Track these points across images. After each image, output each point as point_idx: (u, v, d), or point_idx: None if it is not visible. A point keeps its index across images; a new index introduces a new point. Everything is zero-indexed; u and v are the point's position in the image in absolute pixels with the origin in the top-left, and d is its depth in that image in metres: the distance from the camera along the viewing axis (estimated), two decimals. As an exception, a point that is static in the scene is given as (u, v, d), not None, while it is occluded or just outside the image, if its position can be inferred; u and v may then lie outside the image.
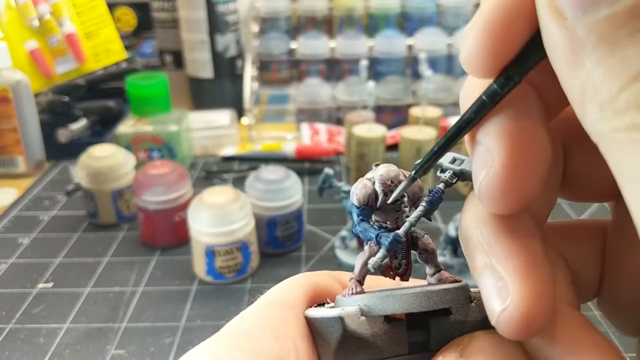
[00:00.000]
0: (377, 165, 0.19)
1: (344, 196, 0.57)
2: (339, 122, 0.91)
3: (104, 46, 0.96)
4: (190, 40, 0.93)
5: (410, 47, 0.96)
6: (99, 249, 0.62)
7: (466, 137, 0.16)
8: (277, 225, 0.59)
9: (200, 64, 0.94)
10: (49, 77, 0.89)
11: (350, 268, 0.57)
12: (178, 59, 0.97)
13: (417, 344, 0.18)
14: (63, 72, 0.91)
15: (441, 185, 0.18)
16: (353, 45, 0.96)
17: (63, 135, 0.82)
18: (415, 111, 0.77)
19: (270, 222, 0.58)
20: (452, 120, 0.86)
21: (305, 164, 0.81)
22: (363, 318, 0.17)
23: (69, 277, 0.57)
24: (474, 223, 0.16)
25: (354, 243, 0.59)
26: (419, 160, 0.17)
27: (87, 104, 0.87)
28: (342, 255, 0.58)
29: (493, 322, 0.15)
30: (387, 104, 0.89)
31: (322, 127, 0.89)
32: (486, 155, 0.15)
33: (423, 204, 0.17)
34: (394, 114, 0.90)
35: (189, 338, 0.49)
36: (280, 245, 0.60)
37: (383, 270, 0.19)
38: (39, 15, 0.88)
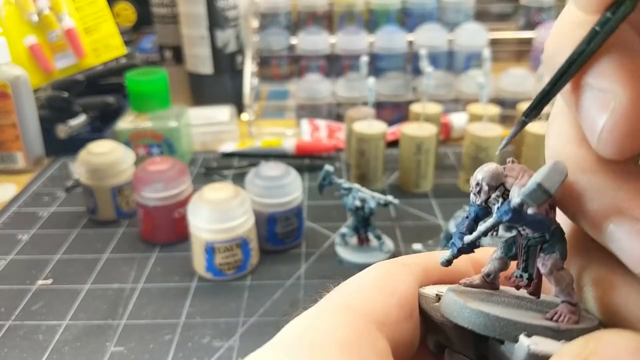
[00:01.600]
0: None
1: (344, 193, 0.57)
2: (339, 118, 0.91)
3: (103, 41, 0.96)
4: (190, 35, 0.92)
5: (410, 43, 0.96)
6: (98, 245, 0.62)
7: (565, 88, 0.15)
8: (277, 222, 0.58)
9: (200, 60, 0.93)
10: (48, 73, 0.89)
11: (350, 265, 0.57)
12: (178, 55, 0.97)
13: (482, 356, 0.17)
14: (62, 67, 0.91)
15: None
16: (353, 41, 0.95)
17: (62, 131, 0.82)
18: (415, 107, 0.76)
19: (270, 219, 0.58)
20: (453, 117, 0.86)
21: (305, 161, 0.81)
22: (436, 304, 0.17)
23: (68, 273, 0.57)
24: (580, 172, 0.15)
25: (354, 240, 0.59)
26: (529, 104, 0.16)
27: (87, 100, 0.86)
28: (342, 252, 0.58)
29: (594, 141, 0.14)
30: (387, 100, 0.89)
31: (322, 123, 0.89)
32: (604, 97, 0.14)
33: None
34: (394, 110, 0.90)
35: (189, 335, 0.48)
36: (280, 242, 0.59)
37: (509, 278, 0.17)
38: (38, 10, 0.87)
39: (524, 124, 0.16)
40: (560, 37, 0.15)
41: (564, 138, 0.16)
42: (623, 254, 0.14)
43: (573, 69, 0.14)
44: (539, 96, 0.15)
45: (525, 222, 0.16)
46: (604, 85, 0.14)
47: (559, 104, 0.17)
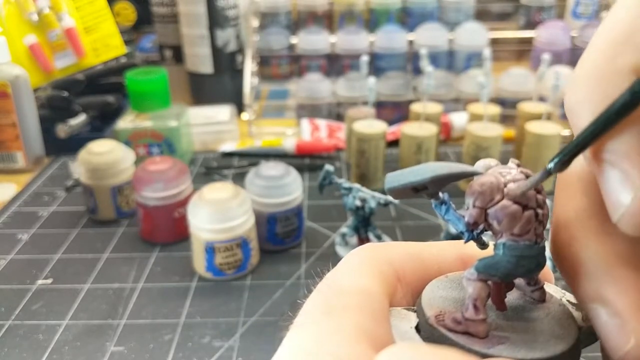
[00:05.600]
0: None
1: (344, 193, 0.57)
2: (339, 117, 0.91)
3: (103, 41, 0.96)
4: (190, 35, 0.92)
5: (411, 42, 0.96)
6: (98, 245, 0.62)
7: (588, 152, 0.14)
8: (277, 222, 0.58)
9: (200, 59, 0.93)
10: (48, 72, 0.89)
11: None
12: (178, 54, 0.97)
13: None
14: (62, 67, 0.91)
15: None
16: (354, 40, 0.95)
17: (62, 130, 0.82)
18: (416, 107, 0.76)
19: (270, 219, 0.58)
20: (453, 117, 0.85)
21: (306, 160, 0.81)
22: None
23: (68, 273, 0.57)
24: (584, 242, 0.15)
25: (354, 240, 0.59)
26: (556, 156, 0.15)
27: (87, 99, 0.86)
28: (342, 252, 0.58)
29: (615, 217, 0.14)
30: (387, 99, 0.89)
31: (322, 123, 0.89)
32: (628, 176, 0.13)
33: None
34: (394, 110, 0.90)
35: (189, 335, 0.48)
36: (280, 241, 0.59)
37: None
38: (38, 9, 0.87)
39: (548, 174, 0.15)
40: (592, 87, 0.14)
41: (581, 204, 0.16)
42: (601, 337, 0.15)
43: (607, 128, 0.13)
44: (570, 148, 0.14)
45: (446, 218, 0.17)
46: (628, 168, 0.13)
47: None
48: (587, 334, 0.17)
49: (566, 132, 0.73)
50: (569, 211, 0.16)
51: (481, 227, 0.16)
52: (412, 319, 0.17)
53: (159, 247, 0.61)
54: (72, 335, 0.49)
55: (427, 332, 0.16)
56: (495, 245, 0.16)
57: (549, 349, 0.16)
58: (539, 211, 0.15)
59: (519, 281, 0.18)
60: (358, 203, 0.56)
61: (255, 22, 0.99)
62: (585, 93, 0.14)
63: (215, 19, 0.91)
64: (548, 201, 0.16)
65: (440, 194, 0.17)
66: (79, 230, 0.65)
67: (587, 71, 0.14)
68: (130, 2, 1.18)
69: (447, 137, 0.85)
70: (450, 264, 0.19)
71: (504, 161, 0.17)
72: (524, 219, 0.15)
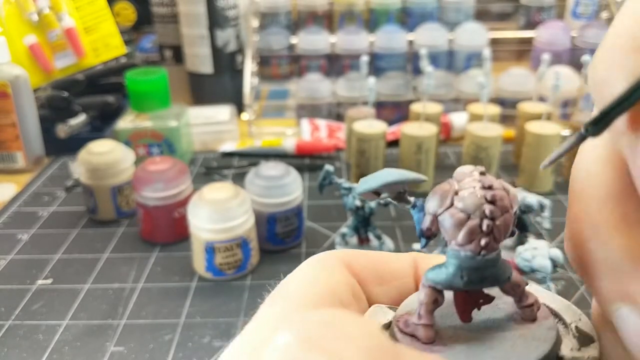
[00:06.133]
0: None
1: (344, 193, 0.57)
2: (339, 117, 0.91)
3: (103, 41, 0.96)
4: (190, 35, 0.92)
5: (411, 42, 0.96)
6: (98, 245, 0.62)
7: (619, 125, 0.13)
8: (277, 222, 0.58)
9: (200, 59, 0.93)
10: (48, 72, 0.89)
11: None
12: (178, 54, 0.97)
13: None
14: (62, 67, 0.91)
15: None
16: (353, 40, 0.95)
17: (62, 130, 0.82)
18: (416, 107, 0.76)
19: (270, 219, 0.58)
20: (453, 117, 0.85)
21: (306, 160, 0.81)
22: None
23: (68, 273, 0.57)
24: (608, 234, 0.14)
25: (354, 240, 0.59)
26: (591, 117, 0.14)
27: (87, 99, 0.86)
28: (343, 252, 0.58)
29: None
30: (387, 99, 0.89)
31: (322, 123, 0.89)
32: None
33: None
34: (394, 110, 0.90)
35: (189, 335, 0.48)
36: (280, 241, 0.59)
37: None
38: (38, 9, 0.87)
39: (583, 139, 0.14)
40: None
41: (602, 193, 0.15)
42: (626, 340, 0.14)
43: None
44: (607, 110, 0.13)
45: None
46: None
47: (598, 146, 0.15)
48: None
49: (566, 132, 0.73)
50: (587, 202, 0.15)
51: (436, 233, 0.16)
52: (390, 317, 0.18)
53: (159, 247, 0.61)
54: (72, 335, 0.49)
55: (390, 330, 0.17)
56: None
57: None
58: (486, 222, 0.15)
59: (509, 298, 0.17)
60: (358, 203, 0.56)
61: (255, 22, 0.99)
62: (619, 60, 0.13)
63: (215, 19, 0.91)
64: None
65: (412, 198, 0.17)
66: (79, 230, 0.65)
67: (619, 40, 0.14)
68: (130, 2, 1.18)
69: (447, 137, 0.85)
70: (406, 270, 0.19)
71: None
72: (466, 227, 0.15)
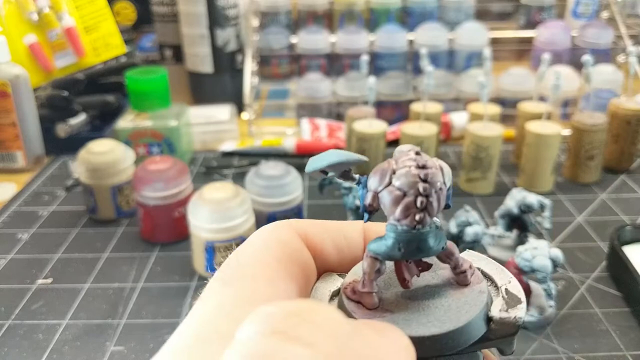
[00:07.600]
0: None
1: (345, 192, 0.57)
2: (339, 117, 0.91)
3: (103, 40, 0.95)
4: (190, 34, 0.92)
5: (411, 42, 0.96)
6: (98, 244, 0.62)
7: None
8: (277, 222, 0.58)
9: (200, 59, 0.93)
10: (48, 72, 0.89)
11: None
12: (178, 54, 0.97)
13: None
14: (62, 66, 0.91)
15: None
16: (354, 40, 0.95)
17: (62, 130, 0.82)
18: (416, 107, 0.76)
19: (271, 218, 0.58)
20: (453, 116, 0.85)
21: (306, 160, 0.80)
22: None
23: (68, 272, 0.57)
24: None
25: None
26: None
27: (87, 99, 0.86)
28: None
29: None
30: (387, 99, 0.89)
31: (322, 123, 0.89)
32: None
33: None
34: (394, 110, 0.90)
35: (189, 334, 0.48)
36: (280, 241, 0.59)
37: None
38: (38, 9, 0.87)
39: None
40: None
41: None
42: None
43: None
44: None
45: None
46: None
47: None
48: (500, 324, 0.17)
49: (566, 132, 0.73)
50: None
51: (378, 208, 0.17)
52: (339, 284, 0.19)
53: (159, 246, 0.61)
54: (72, 335, 0.49)
55: (338, 297, 0.18)
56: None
57: (421, 329, 0.16)
58: (420, 199, 0.16)
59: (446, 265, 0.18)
60: (358, 203, 0.56)
61: (255, 22, 0.99)
62: None
63: (215, 18, 0.91)
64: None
65: (357, 175, 0.18)
66: (79, 230, 0.64)
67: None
68: (130, 2, 1.18)
69: (447, 136, 0.85)
70: (357, 239, 0.20)
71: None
72: (402, 204, 0.16)
